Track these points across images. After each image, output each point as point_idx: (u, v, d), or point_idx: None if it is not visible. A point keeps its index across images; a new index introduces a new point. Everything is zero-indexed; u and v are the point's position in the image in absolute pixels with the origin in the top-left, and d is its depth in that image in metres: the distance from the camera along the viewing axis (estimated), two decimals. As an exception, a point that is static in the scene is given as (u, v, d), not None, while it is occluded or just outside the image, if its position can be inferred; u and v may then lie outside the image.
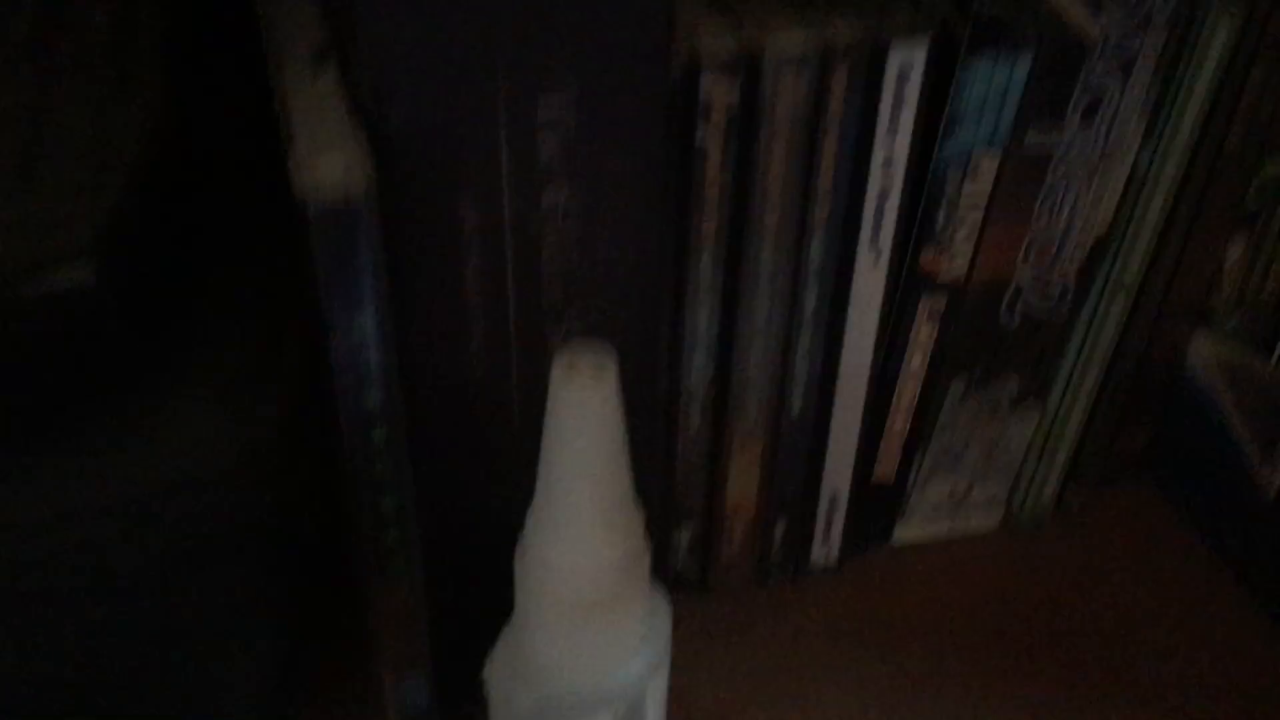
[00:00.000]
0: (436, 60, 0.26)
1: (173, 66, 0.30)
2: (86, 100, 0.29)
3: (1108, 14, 0.33)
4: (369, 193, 0.26)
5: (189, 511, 0.29)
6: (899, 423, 0.40)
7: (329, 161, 0.26)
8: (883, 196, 0.34)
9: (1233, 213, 0.39)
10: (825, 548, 0.42)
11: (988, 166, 0.35)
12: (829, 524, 0.41)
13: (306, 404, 0.30)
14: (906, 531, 0.43)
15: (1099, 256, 0.38)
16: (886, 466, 0.41)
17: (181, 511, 0.28)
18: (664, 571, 0.40)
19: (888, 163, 0.34)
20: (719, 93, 0.31)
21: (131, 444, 0.28)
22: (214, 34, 0.34)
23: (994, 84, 0.33)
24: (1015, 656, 0.40)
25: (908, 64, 0.32)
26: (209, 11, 0.34)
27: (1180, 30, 0.34)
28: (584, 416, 0.27)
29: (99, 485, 0.27)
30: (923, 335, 0.38)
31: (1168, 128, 0.36)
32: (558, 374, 0.26)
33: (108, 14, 0.33)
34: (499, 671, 0.31)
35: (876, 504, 0.42)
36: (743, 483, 0.39)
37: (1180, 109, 0.35)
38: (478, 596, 0.32)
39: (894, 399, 0.39)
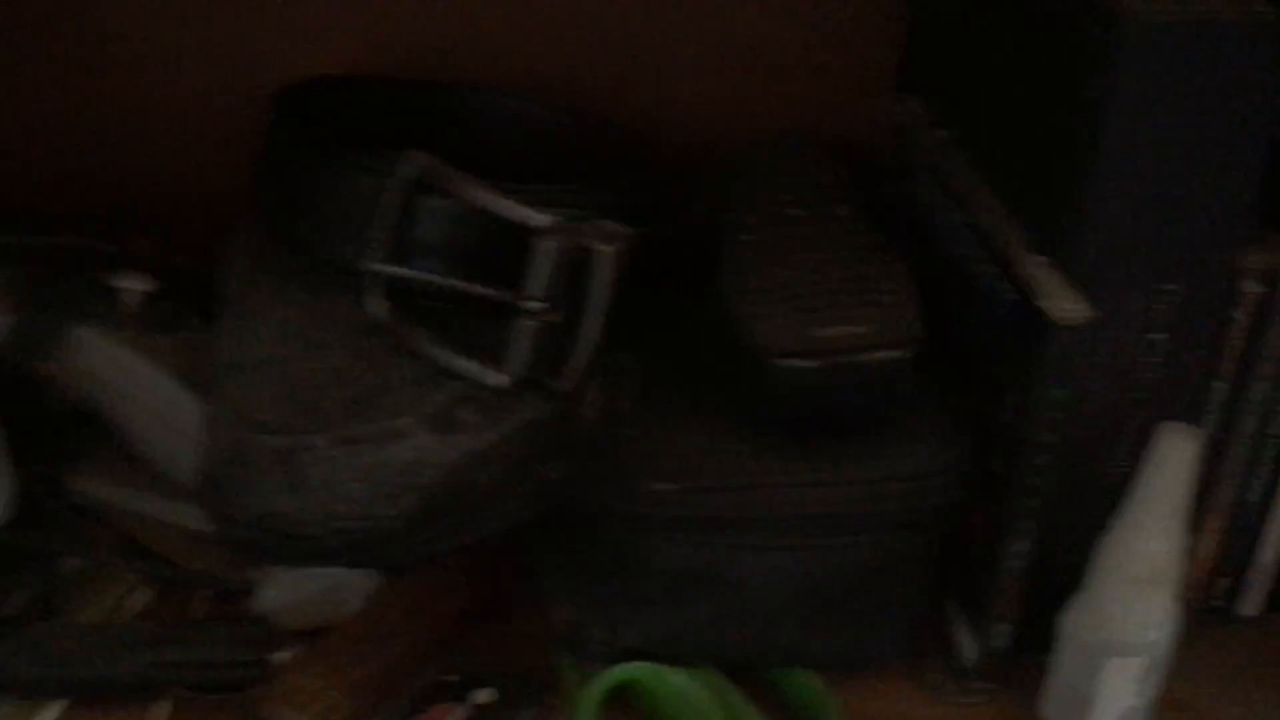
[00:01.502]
0: (1114, 266, 0.48)
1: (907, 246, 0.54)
2: (870, 261, 0.53)
3: None
4: (1086, 321, 0.48)
5: (920, 491, 0.51)
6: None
7: (1066, 303, 0.48)
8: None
9: None
10: (1253, 599, 0.60)
11: None
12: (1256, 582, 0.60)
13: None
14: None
15: None
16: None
17: (917, 490, 0.51)
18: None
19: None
20: (1252, 289, 0.51)
21: (897, 448, 0.51)
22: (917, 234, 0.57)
23: None
24: None
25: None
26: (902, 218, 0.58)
27: None
28: (1170, 465, 0.47)
29: (891, 465, 0.50)
30: None
31: None
32: (1160, 438, 0.47)
33: (847, 210, 0.56)
34: (1074, 620, 0.52)
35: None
36: (1209, 538, 0.58)
37: None
38: (1061, 571, 0.53)
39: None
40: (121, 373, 0.58)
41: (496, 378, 0.46)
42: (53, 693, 0.52)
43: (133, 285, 0.60)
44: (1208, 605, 0.60)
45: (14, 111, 0.67)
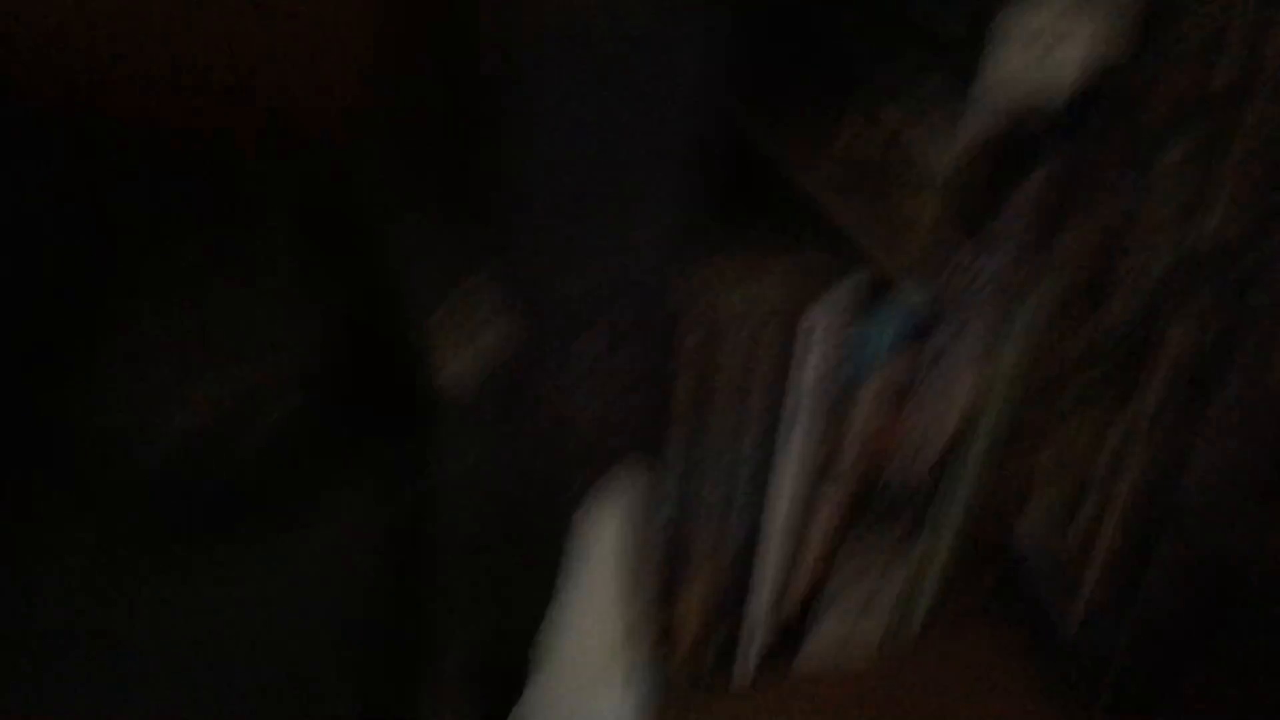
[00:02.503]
0: (532, 298, 0.41)
1: (346, 278, 0.44)
2: (282, 296, 0.43)
3: (952, 282, 0.48)
4: (481, 381, 0.40)
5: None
6: (809, 568, 0.54)
7: (456, 359, 0.39)
8: (806, 413, 0.49)
9: (1045, 420, 0.55)
10: (743, 668, 0.55)
11: (869, 386, 0.50)
12: (749, 648, 0.54)
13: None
14: (808, 660, 0.57)
15: (953, 447, 0.53)
16: (795, 603, 0.54)
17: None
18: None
19: (809, 392, 0.48)
20: (692, 331, 0.45)
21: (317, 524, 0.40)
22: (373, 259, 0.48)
23: (872, 328, 0.48)
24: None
25: (825, 325, 0.47)
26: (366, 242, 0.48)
27: (1001, 296, 0.50)
28: (605, 536, 0.40)
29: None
30: (830, 494, 0.52)
31: (998, 362, 0.51)
32: (589, 507, 0.40)
33: (288, 235, 0.46)
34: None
35: (786, 634, 0.55)
36: (691, 603, 0.52)
37: (1006, 349, 0.51)
38: (511, 664, 0.44)
39: (805, 550, 0.53)
40: None
41: None
42: None
43: None
44: (699, 674, 0.54)
45: None
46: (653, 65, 0.38)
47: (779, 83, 0.57)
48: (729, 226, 0.48)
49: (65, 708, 0.39)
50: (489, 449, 0.41)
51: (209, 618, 0.40)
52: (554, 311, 0.41)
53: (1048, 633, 0.56)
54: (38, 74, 0.52)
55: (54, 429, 0.41)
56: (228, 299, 0.43)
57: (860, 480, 0.52)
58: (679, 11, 0.38)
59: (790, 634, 0.56)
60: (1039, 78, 0.45)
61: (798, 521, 0.52)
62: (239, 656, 0.41)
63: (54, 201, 0.46)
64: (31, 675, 0.39)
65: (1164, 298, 0.49)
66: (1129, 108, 0.48)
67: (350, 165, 0.49)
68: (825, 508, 0.52)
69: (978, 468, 0.54)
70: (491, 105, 0.39)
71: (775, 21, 0.56)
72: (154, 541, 0.39)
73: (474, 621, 0.44)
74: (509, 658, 0.44)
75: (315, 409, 0.39)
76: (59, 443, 0.40)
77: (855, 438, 0.51)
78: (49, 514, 0.40)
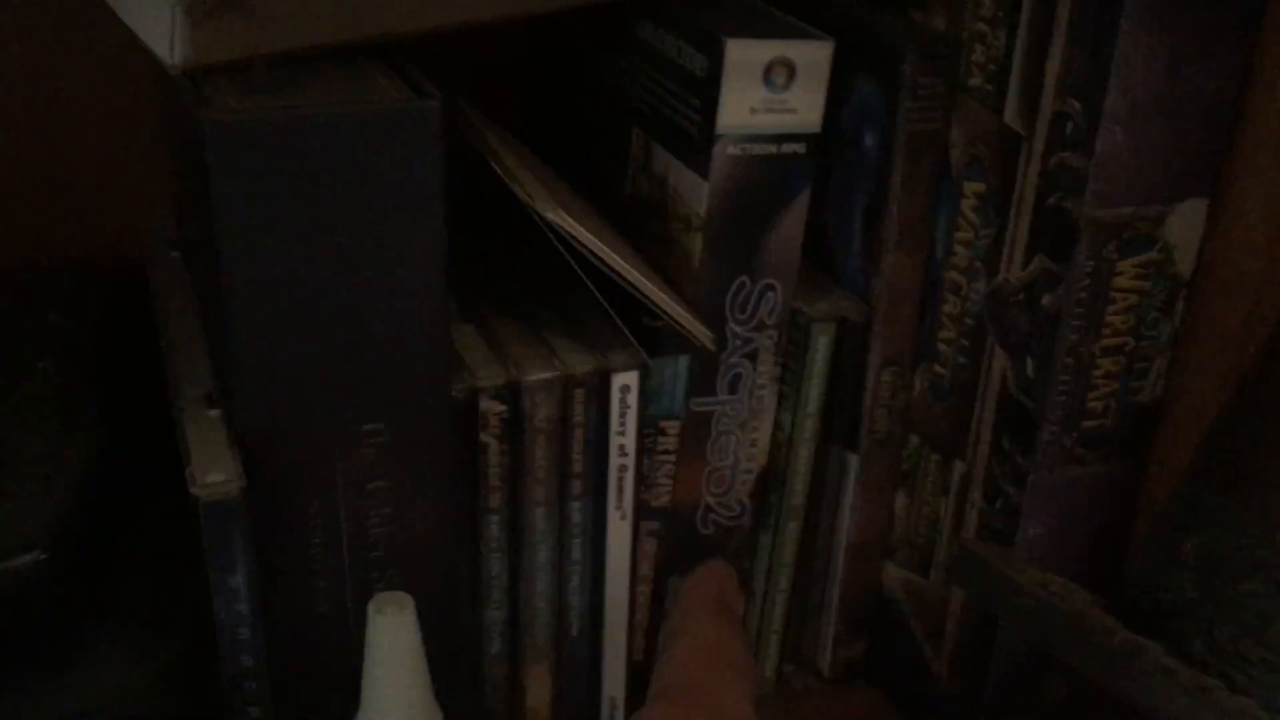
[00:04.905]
0: (287, 406, 0.39)
1: (104, 404, 0.43)
2: (37, 433, 0.41)
3: (733, 320, 0.47)
4: (241, 493, 0.38)
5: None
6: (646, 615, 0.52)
7: (215, 472, 0.38)
8: (622, 470, 0.48)
9: (892, 471, 0.53)
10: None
11: (672, 427, 0.49)
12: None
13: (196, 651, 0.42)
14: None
15: (764, 484, 0.51)
16: (643, 656, 0.53)
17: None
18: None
19: (622, 449, 0.47)
20: (493, 409, 0.44)
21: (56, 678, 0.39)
22: (134, 378, 0.47)
23: (666, 374, 0.48)
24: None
25: (626, 385, 0.46)
26: (130, 363, 0.47)
27: (790, 332, 0.48)
28: (389, 643, 0.39)
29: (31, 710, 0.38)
30: (646, 548, 0.51)
31: (798, 398, 0.50)
32: (371, 613, 0.38)
33: (52, 364, 0.45)
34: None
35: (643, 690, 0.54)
36: (537, 692, 0.51)
37: (804, 387, 0.50)
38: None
39: (637, 600, 0.52)
40: None
41: None
42: None
43: None
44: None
45: None
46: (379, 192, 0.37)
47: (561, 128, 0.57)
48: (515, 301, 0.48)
49: None
50: (257, 565, 0.40)
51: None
52: (313, 426, 0.40)
53: (924, 680, 0.54)
54: None
55: None
56: None
57: (677, 515, 0.51)
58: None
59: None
60: (778, 114, 0.44)
61: (633, 576, 0.50)
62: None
63: None
64: None
65: (983, 334, 0.47)
66: (932, 146, 0.47)
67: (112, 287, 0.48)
68: (645, 544, 0.51)
69: (800, 499, 0.52)
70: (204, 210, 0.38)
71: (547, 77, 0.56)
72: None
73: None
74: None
75: (67, 555, 0.38)
76: None
77: (665, 473, 0.50)
78: None
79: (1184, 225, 0.43)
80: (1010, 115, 0.44)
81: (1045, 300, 0.44)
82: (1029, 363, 0.45)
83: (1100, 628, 0.31)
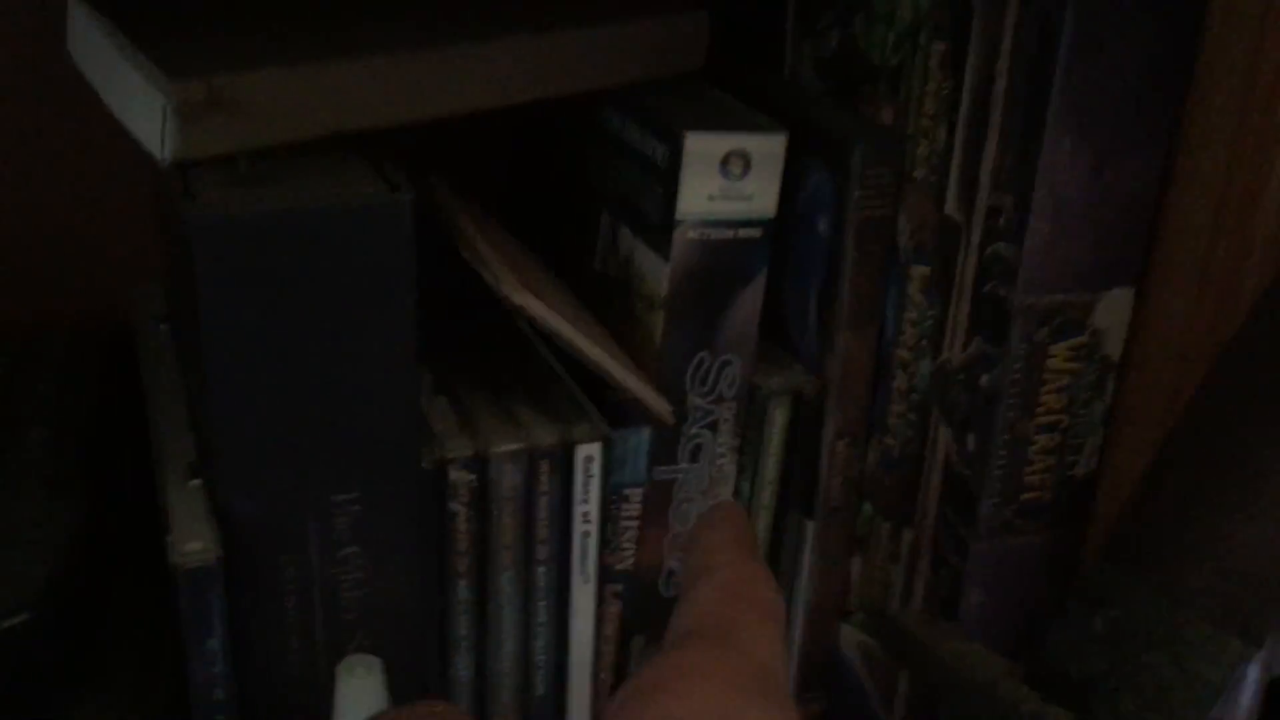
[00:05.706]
0: (266, 477, 0.42)
1: (94, 469, 0.45)
2: (28, 497, 0.44)
3: (694, 392, 0.50)
4: (218, 561, 0.41)
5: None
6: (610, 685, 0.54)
7: (193, 541, 0.41)
8: (585, 536, 0.50)
9: (847, 537, 0.55)
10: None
11: (635, 494, 0.51)
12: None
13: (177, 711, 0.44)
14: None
15: None
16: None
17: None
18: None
19: (585, 517, 0.49)
20: (462, 479, 0.47)
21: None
22: (123, 443, 0.49)
23: (630, 444, 0.50)
24: None
25: (589, 455, 0.48)
26: (119, 428, 0.49)
27: (749, 405, 0.51)
28: (357, 705, 0.41)
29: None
30: (610, 610, 0.53)
31: (757, 468, 0.52)
32: (340, 675, 0.41)
33: (43, 430, 0.48)
34: None
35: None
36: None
37: (762, 457, 0.52)
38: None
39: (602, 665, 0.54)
40: None
41: None
42: None
43: None
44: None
45: None
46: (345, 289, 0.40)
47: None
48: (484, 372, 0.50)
49: None
50: (234, 633, 0.42)
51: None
52: (289, 496, 0.43)
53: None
54: None
55: None
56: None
57: (639, 577, 0.53)
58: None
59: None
60: (734, 201, 0.47)
61: (597, 638, 0.53)
62: None
63: None
64: None
65: (929, 409, 0.50)
66: (881, 232, 0.50)
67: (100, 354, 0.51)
68: (610, 606, 0.53)
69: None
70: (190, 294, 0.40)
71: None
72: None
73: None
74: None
75: (54, 616, 0.41)
76: None
77: (629, 538, 0.52)
78: None
79: (1112, 311, 0.45)
80: (950, 206, 0.47)
81: (983, 380, 0.46)
82: (970, 438, 0.48)
83: (1010, 698, 0.33)
